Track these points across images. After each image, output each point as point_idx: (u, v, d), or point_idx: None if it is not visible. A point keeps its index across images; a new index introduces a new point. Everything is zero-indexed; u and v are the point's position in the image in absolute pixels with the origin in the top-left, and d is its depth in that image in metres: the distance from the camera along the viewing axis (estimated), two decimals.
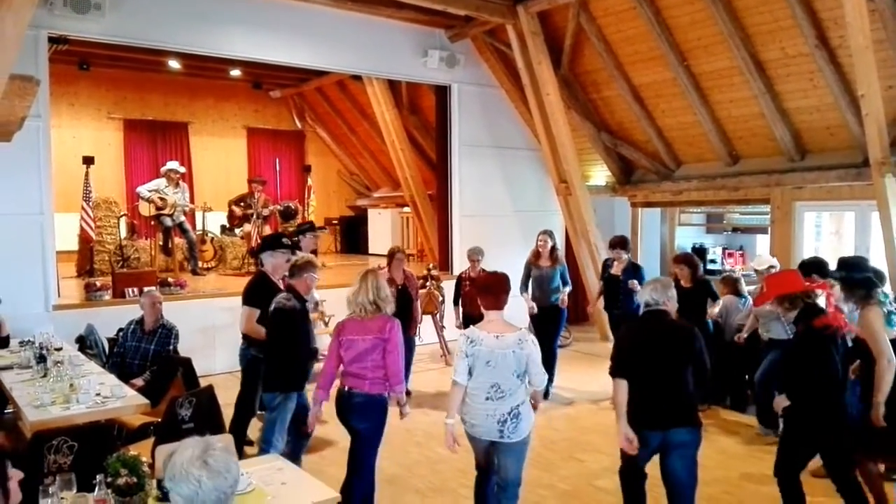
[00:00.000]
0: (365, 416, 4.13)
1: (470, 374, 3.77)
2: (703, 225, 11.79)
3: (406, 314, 6.38)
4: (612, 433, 6.17)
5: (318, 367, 5.04)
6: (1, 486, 2.33)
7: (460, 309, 7.54)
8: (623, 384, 3.81)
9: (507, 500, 3.90)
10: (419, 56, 10.01)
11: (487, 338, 3.76)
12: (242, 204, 11.68)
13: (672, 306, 3.93)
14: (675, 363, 3.77)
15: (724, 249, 11.32)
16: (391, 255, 7.01)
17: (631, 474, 3.98)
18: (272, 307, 4.60)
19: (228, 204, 11.88)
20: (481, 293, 3.96)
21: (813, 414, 3.87)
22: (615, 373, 3.87)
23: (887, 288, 4.97)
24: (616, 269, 7.27)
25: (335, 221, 15.88)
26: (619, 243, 7.27)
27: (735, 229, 11.36)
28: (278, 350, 4.57)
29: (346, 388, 4.14)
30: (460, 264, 10.32)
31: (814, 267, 4.97)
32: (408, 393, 5.43)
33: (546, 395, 6.74)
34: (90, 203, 10.07)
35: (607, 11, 8.58)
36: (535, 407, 3.94)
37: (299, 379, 4.62)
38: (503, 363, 3.71)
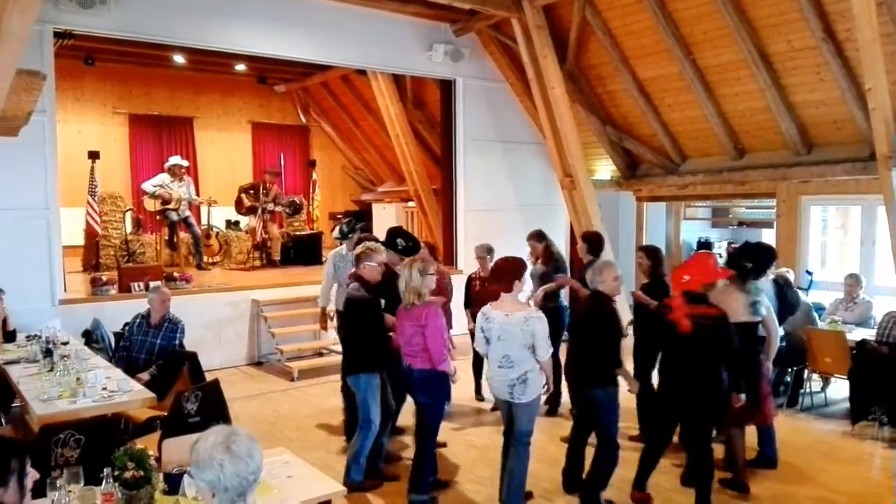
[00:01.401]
0: (424, 389, 4.61)
1: (488, 344, 4.44)
2: (708, 219, 11.77)
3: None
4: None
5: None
6: (20, 482, 2.35)
7: (468, 312, 7.30)
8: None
9: (517, 446, 4.42)
10: (424, 50, 10.00)
11: (499, 315, 4.36)
12: (252, 193, 11.62)
13: (608, 287, 4.51)
14: (586, 337, 4.58)
15: (729, 244, 11.30)
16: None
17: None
18: (345, 298, 5.05)
19: (238, 190, 11.76)
20: (496, 278, 4.53)
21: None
22: None
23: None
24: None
25: (340, 216, 15.87)
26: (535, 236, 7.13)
27: (741, 223, 11.33)
28: (354, 336, 4.96)
29: (408, 364, 4.65)
30: (465, 258, 10.33)
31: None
32: None
33: (554, 410, 6.72)
34: (96, 198, 10.12)
35: (612, 5, 8.55)
36: (547, 378, 4.44)
37: (377, 360, 4.92)
38: (512, 338, 4.29)
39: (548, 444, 5.74)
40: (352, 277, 5.07)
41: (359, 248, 5.14)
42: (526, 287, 4.93)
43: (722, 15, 7.56)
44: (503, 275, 4.43)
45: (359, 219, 8.09)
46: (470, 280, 7.32)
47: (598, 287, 4.53)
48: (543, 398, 4.71)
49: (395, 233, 5.86)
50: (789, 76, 7.73)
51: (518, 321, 4.27)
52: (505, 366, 4.31)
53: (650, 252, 6.10)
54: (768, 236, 9.90)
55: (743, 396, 4.45)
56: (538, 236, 7.16)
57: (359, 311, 4.90)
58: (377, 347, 4.92)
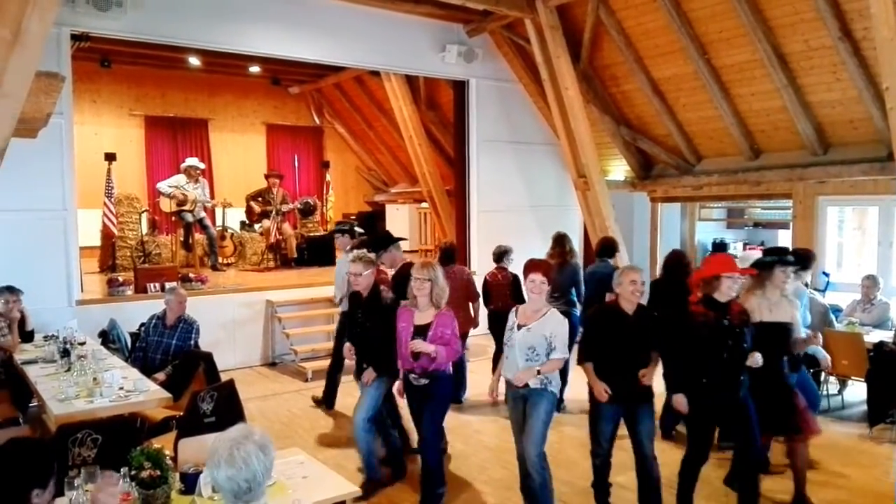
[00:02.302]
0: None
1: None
2: (723, 220, 11.68)
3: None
4: None
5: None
6: (56, 482, 2.43)
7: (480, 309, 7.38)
8: None
9: (532, 447, 4.24)
10: (437, 51, 10.00)
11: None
12: (261, 199, 11.73)
13: (623, 291, 4.41)
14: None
15: (745, 245, 11.22)
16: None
17: None
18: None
19: (246, 199, 11.92)
20: (540, 270, 4.42)
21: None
22: None
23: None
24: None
25: (353, 217, 15.91)
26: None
27: (756, 224, 11.24)
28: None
29: (406, 371, 4.56)
30: (478, 260, 10.32)
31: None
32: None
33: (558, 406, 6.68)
34: (112, 199, 10.19)
35: (627, 4, 8.52)
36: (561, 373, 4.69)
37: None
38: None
39: (560, 445, 5.71)
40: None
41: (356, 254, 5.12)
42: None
43: (737, 14, 7.51)
44: (546, 270, 4.41)
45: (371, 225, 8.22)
46: (487, 281, 7.36)
47: (616, 291, 4.43)
48: None
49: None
50: (805, 76, 7.67)
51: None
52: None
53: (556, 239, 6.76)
54: (784, 237, 9.82)
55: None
56: (560, 241, 7.28)
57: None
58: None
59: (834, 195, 8.42)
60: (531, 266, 4.40)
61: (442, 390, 4.57)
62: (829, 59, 7.31)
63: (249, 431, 2.18)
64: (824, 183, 8.33)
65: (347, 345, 5.13)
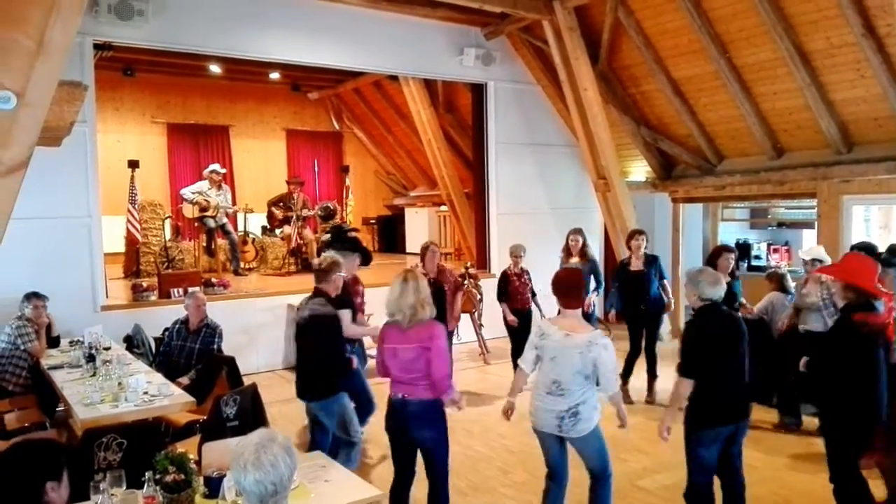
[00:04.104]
0: (423, 423, 3.86)
1: (538, 363, 3.88)
2: (746, 220, 11.54)
3: (439, 310, 6.35)
4: (653, 433, 6.12)
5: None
6: (69, 477, 2.48)
7: (505, 305, 7.45)
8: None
9: (600, 491, 3.88)
10: (455, 54, 10.01)
11: (557, 334, 3.78)
12: (282, 205, 11.82)
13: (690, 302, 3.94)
14: None
15: (769, 245, 11.07)
16: (424, 249, 6.98)
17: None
18: (307, 314, 4.63)
19: (268, 205, 12.02)
20: (562, 293, 3.90)
21: (845, 411, 3.70)
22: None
23: None
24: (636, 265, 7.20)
25: (373, 221, 15.98)
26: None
27: (780, 224, 11.09)
28: (321, 355, 4.59)
29: (400, 396, 3.86)
30: (498, 262, 10.30)
31: (867, 252, 4.80)
32: None
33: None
34: (136, 206, 10.32)
35: (645, 4, 8.46)
36: (620, 419, 3.91)
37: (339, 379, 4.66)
38: (567, 361, 3.71)
39: None
40: (315, 293, 4.78)
41: (320, 260, 4.92)
42: None
43: (758, 12, 7.43)
44: (571, 289, 3.88)
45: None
46: (506, 276, 7.41)
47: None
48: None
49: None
50: (829, 73, 7.56)
51: (579, 344, 3.71)
52: (554, 393, 3.75)
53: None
54: (809, 237, 9.68)
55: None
56: (580, 232, 7.59)
57: (327, 328, 4.58)
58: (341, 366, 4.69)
59: (859, 194, 8.29)
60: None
61: None
62: (853, 56, 7.21)
63: (273, 434, 2.19)
64: (849, 182, 8.21)
65: None
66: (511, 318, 7.32)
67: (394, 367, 3.88)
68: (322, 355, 4.55)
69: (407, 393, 3.84)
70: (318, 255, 8.79)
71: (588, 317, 7.06)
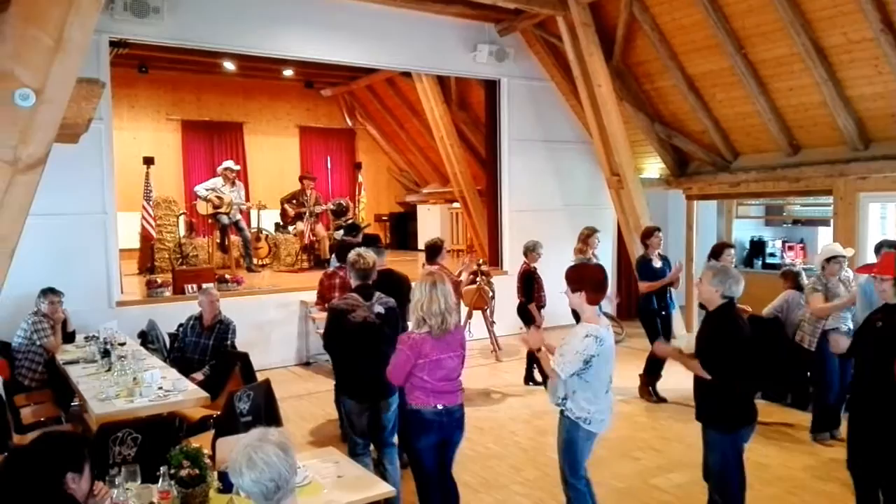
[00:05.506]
0: (462, 426, 3.94)
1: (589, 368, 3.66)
2: (761, 217, 11.44)
3: None
4: (666, 431, 6.09)
5: None
6: (90, 469, 2.51)
7: (533, 306, 7.43)
8: None
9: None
10: (468, 51, 9.99)
11: (608, 335, 3.71)
12: (295, 202, 11.86)
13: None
14: None
15: (784, 242, 10.98)
16: (439, 249, 6.65)
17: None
18: (381, 309, 4.40)
19: (281, 202, 12.06)
20: (598, 288, 3.77)
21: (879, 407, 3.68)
22: None
23: None
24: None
25: (385, 217, 16.00)
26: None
27: (795, 221, 10.99)
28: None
29: (441, 407, 3.75)
30: (510, 259, 10.29)
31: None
32: None
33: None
34: (151, 202, 10.39)
35: (661, 0, 8.41)
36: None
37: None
38: (613, 355, 3.78)
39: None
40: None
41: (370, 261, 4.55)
42: None
43: (775, 8, 7.36)
44: (604, 283, 3.82)
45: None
46: (531, 274, 7.38)
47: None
48: None
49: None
50: (846, 69, 7.48)
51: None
52: (610, 389, 3.80)
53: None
54: (825, 234, 9.60)
55: None
56: (595, 232, 7.75)
57: (398, 321, 4.50)
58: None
59: (876, 191, 8.19)
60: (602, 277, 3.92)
61: None
62: (871, 52, 7.12)
63: (265, 433, 2.20)
64: (865, 179, 8.12)
65: None
66: (540, 320, 7.27)
67: (434, 378, 3.73)
68: (394, 348, 4.25)
69: (449, 402, 3.79)
70: (331, 252, 8.86)
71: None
